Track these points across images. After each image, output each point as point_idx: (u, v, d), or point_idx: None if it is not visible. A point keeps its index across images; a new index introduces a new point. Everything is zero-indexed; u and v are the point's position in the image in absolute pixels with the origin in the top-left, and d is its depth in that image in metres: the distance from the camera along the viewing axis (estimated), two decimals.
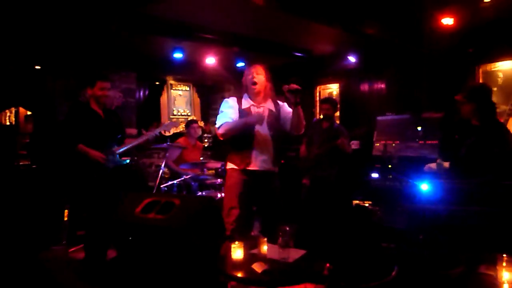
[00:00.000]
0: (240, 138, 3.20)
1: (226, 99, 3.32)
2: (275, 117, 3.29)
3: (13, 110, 7.49)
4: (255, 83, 3.20)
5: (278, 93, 3.32)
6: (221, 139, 3.27)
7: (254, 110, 3.23)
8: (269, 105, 3.30)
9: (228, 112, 3.20)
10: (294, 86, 2.98)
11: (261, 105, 3.26)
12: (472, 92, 3.10)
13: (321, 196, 4.85)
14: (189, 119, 7.45)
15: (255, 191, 3.24)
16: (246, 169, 3.20)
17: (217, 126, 3.22)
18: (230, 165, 3.30)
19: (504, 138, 2.99)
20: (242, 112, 3.21)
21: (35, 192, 5.05)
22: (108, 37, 5.73)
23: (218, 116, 3.25)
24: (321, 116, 5.09)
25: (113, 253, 3.67)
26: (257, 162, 3.21)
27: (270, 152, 3.24)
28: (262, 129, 3.22)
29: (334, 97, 7.27)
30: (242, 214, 3.16)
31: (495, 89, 5.31)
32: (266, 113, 3.25)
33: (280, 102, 3.36)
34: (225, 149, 3.43)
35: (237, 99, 3.27)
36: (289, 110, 3.27)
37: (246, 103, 3.25)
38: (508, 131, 3.12)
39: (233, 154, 3.28)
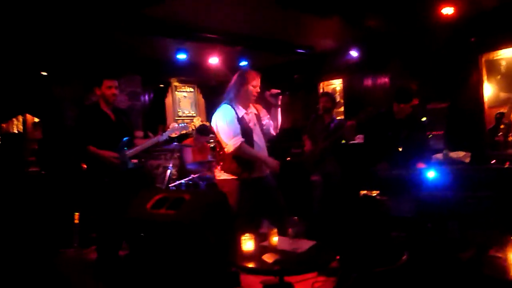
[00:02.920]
0: None
1: (225, 108, 3.14)
2: (260, 120, 3.33)
3: (20, 118, 7.55)
4: (257, 94, 3.20)
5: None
6: (231, 154, 3.10)
7: (246, 118, 3.20)
8: (253, 109, 3.32)
9: (236, 125, 3.09)
10: (275, 90, 3.17)
11: (249, 111, 3.26)
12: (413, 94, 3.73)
13: (329, 190, 4.87)
14: (194, 120, 7.47)
15: (257, 195, 3.22)
16: (249, 177, 3.14)
17: (233, 143, 3.04)
18: (225, 176, 3.17)
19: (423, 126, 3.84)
20: (240, 121, 3.13)
21: (45, 198, 5.09)
22: (112, 41, 5.78)
23: (226, 129, 3.07)
24: (320, 112, 5.14)
25: (126, 252, 3.70)
26: (260, 169, 3.20)
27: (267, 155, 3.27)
28: (258, 135, 3.24)
29: (337, 93, 7.30)
30: (245, 221, 3.09)
31: (498, 77, 5.29)
32: (254, 119, 3.27)
33: (257, 106, 3.38)
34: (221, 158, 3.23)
35: (232, 107, 3.15)
36: (265, 111, 3.38)
37: (239, 111, 3.17)
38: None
39: (233, 164, 3.13)
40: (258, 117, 3.33)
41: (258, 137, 3.23)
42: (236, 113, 3.13)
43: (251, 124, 3.20)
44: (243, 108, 3.20)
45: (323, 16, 5.02)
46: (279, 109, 3.25)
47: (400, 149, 3.56)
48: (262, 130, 3.31)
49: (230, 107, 3.14)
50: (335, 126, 4.93)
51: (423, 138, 3.81)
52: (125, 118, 3.85)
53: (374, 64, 6.60)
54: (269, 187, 3.28)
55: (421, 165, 3.29)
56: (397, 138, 3.63)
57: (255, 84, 3.16)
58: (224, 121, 3.10)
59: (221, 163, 3.23)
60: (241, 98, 3.17)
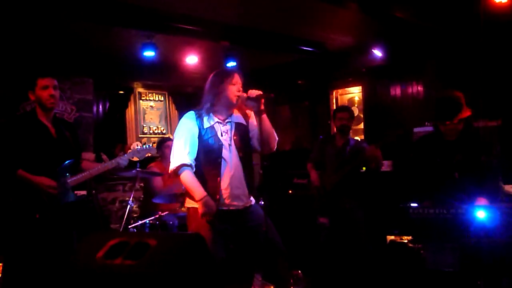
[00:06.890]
0: (203, 168, 3.20)
1: (184, 118, 3.31)
2: (244, 132, 3.35)
3: None
4: (239, 97, 3.25)
5: None
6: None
7: (219, 128, 3.25)
8: (237, 118, 3.36)
9: (188, 142, 3.18)
10: (255, 92, 3.17)
11: (226, 121, 3.30)
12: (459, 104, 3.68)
13: (345, 236, 4.85)
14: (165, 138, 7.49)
15: (238, 237, 3.22)
16: (218, 208, 3.15)
17: (175, 164, 3.18)
18: (191, 203, 3.25)
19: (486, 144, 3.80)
20: (206, 132, 3.21)
21: None
22: (55, 31, 5.79)
23: (176, 142, 3.23)
24: (334, 131, 5.18)
25: None
26: (228, 200, 3.20)
27: (242, 182, 3.26)
28: (233, 153, 3.25)
29: (355, 104, 7.37)
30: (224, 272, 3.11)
31: None
32: (232, 132, 3.29)
33: (248, 112, 3.42)
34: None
35: (196, 116, 3.25)
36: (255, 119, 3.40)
37: (209, 119, 3.25)
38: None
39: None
40: (245, 129, 3.37)
41: (232, 155, 3.24)
42: (200, 123, 3.20)
43: (223, 137, 3.24)
44: (221, 115, 3.27)
45: (338, 4, 5.09)
46: (264, 117, 3.25)
47: (456, 178, 3.53)
48: (243, 144, 3.32)
49: (193, 113, 3.25)
50: (353, 150, 4.96)
51: (487, 163, 3.64)
52: (69, 133, 3.84)
53: (403, 68, 6.69)
54: (256, 224, 3.24)
55: (482, 201, 3.28)
56: (449, 165, 3.58)
57: (234, 82, 3.23)
58: (177, 132, 3.24)
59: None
60: (218, 102, 3.24)
